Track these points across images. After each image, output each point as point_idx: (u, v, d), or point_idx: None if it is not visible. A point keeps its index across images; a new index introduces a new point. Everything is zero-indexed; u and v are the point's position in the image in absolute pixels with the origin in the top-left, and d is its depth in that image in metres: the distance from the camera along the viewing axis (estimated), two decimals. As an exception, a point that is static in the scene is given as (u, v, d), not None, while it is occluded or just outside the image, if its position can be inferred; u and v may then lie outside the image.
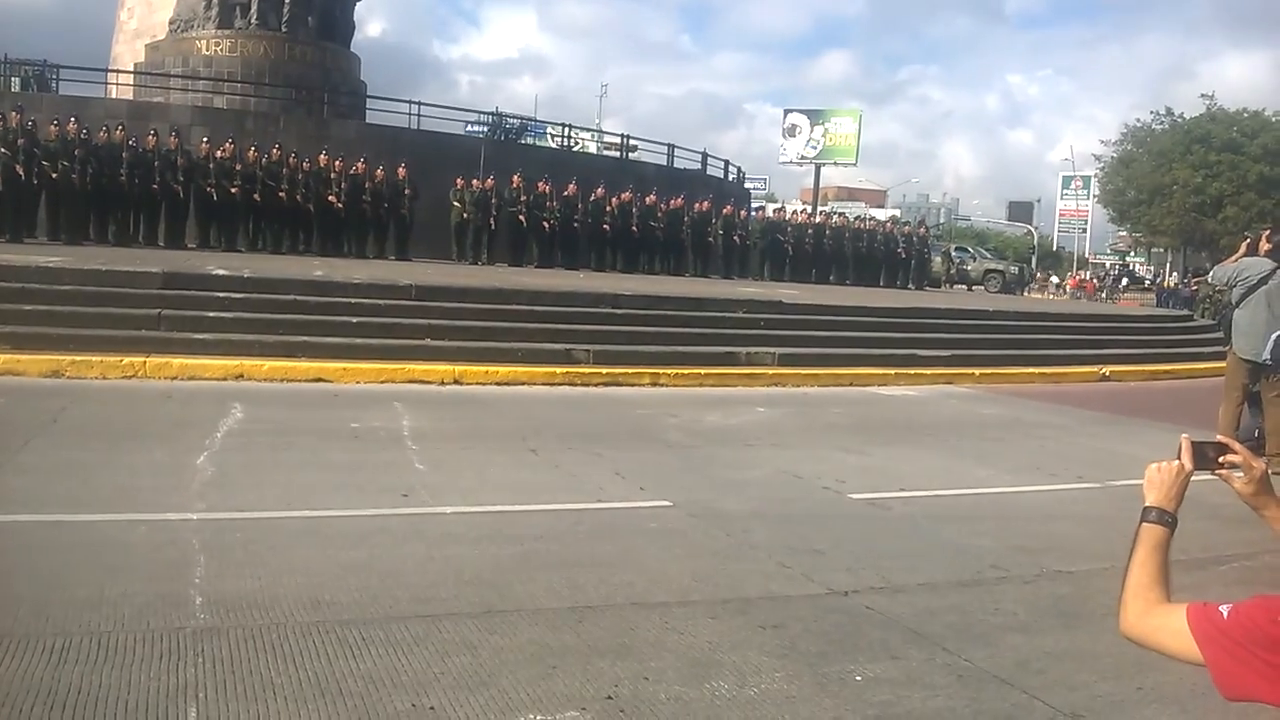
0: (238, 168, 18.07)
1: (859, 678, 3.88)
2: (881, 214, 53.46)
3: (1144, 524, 2.02)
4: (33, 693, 3.36)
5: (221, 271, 11.97)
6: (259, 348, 10.38)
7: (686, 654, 4.01)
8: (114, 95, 25.44)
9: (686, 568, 5.09)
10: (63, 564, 4.61)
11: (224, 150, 18.10)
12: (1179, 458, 2.07)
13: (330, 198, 19.00)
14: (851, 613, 4.62)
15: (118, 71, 28.66)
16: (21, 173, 16.19)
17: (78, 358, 9.53)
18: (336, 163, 19.23)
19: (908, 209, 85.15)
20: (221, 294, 11.25)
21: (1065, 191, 74.83)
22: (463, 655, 3.85)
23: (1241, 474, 2.08)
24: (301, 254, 18.52)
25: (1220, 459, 2.11)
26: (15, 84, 23.39)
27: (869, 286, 24.61)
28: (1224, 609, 1.76)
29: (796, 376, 12.46)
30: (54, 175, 16.50)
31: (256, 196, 18.26)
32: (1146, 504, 2.04)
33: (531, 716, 3.41)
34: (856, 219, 29.25)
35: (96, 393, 8.91)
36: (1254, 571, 5.31)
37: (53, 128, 16.79)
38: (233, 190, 17.95)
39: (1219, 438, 2.16)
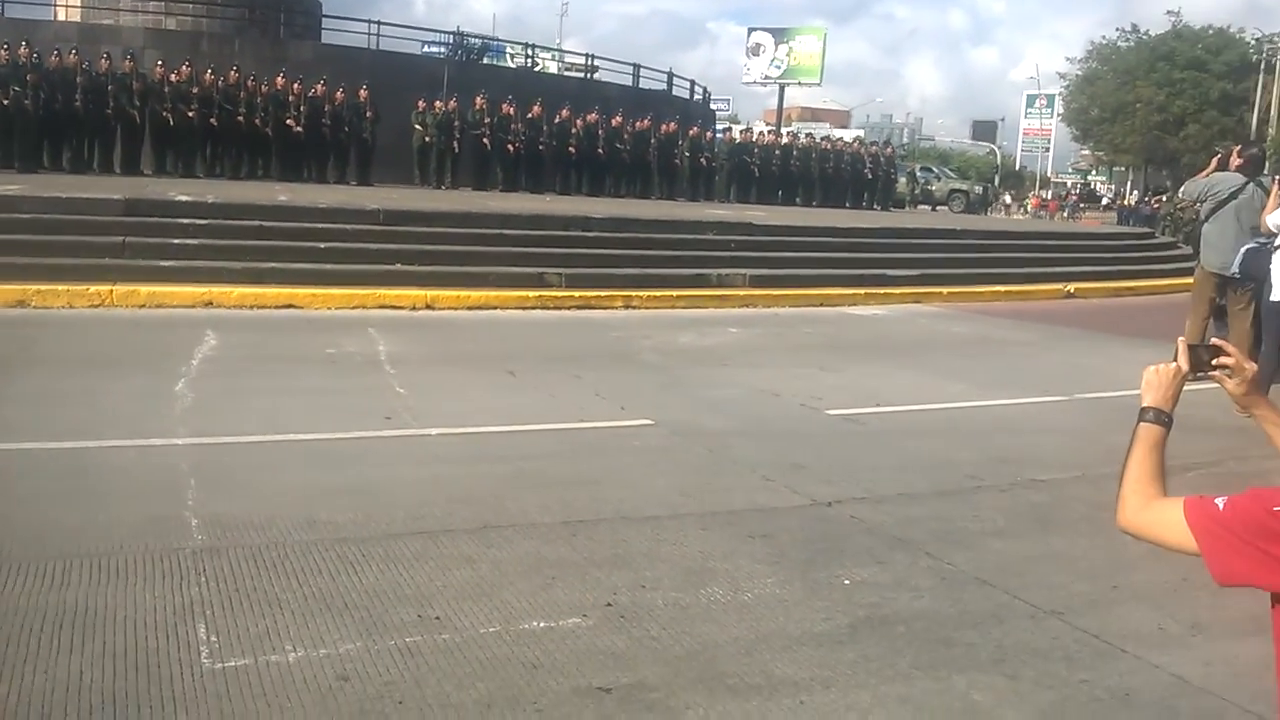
0: (194, 91, 17.59)
1: (847, 581, 4.01)
2: (846, 134, 53.20)
3: (1141, 423, 2.08)
4: (38, 612, 3.41)
5: (184, 197, 11.76)
6: (227, 274, 10.27)
7: (680, 563, 4.11)
8: (63, 18, 24.61)
9: (673, 483, 5.19)
10: (52, 490, 4.62)
11: (179, 73, 17.61)
12: (1175, 360, 2.14)
13: (289, 121, 18.59)
14: (836, 522, 4.75)
15: (63, -8, 27.65)
16: (-29, 99, 15.70)
17: (43, 287, 9.39)
18: (295, 85, 18.78)
19: (872, 129, 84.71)
20: (186, 220, 11.08)
21: (1029, 110, 74.71)
22: (462, 569, 3.93)
23: (1233, 375, 2.16)
24: (261, 179, 18.17)
25: (1214, 361, 2.19)
26: (-44, 7, 22.51)
27: (836, 207, 24.63)
28: (1219, 501, 1.84)
29: (768, 297, 12.55)
30: (5, 101, 16.01)
31: (214, 120, 17.81)
32: (1144, 404, 2.11)
33: (535, 623, 3.50)
34: (823, 140, 29.13)
35: (65, 322, 8.81)
36: (1219, 478, 5.50)
37: (2, 52, 16.26)
38: (190, 114, 17.50)
39: (1214, 341, 2.23)
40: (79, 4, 25.41)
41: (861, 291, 13.24)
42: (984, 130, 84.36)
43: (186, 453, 5.26)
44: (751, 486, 5.22)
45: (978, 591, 3.98)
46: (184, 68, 17.75)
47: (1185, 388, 2.17)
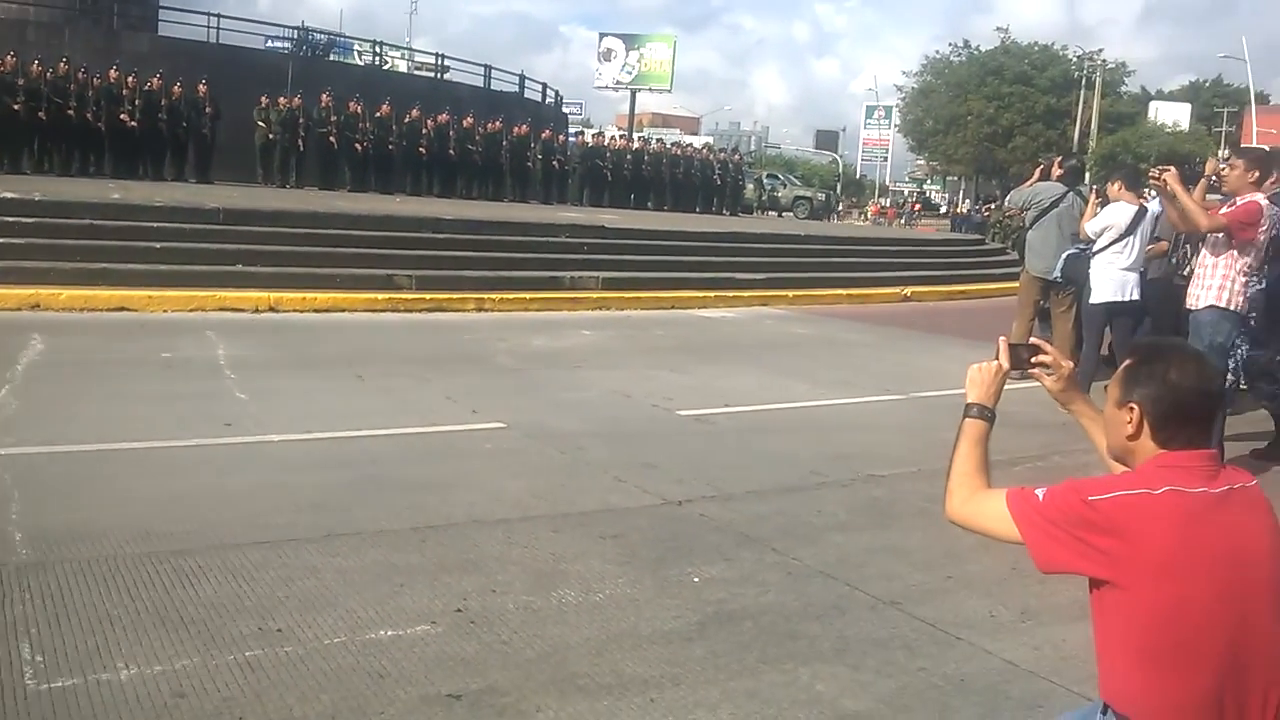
0: (20, 83, 16.57)
1: (696, 579, 4.09)
2: (696, 141, 54.04)
3: (966, 419, 2.21)
4: None
5: (9, 194, 11.04)
6: (55, 275, 9.72)
7: (531, 566, 4.12)
8: None
9: (525, 485, 5.18)
10: None
11: (4, 64, 16.56)
12: (997, 358, 2.28)
13: (123, 116, 17.73)
14: (686, 520, 4.83)
15: None
16: None
17: None
18: (129, 78, 17.93)
19: (720, 136, 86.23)
20: (11, 219, 10.42)
21: (869, 121, 77.41)
22: (306, 579, 3.84)
23: (1051, 372, 2.31)
24: (93, 176, 17.27)
25: (1033, 359, 2.34)
26: None
27: (687, 212, 25.00)
28: (1039, 492, 1.97)
29: (620, 300, 12.65)
30: None
31: (42, 114, 16.83)
32: (968, 401, 2.24)
33: (382, 632, 3.45)
34: (674, 145, 29.54)
35: None
36: (1045, 471, 5.83)
37: None
38: (15, 107, 16.48)
39: (1032, 340, 2.38)
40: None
41: (711, 294, 13.49)
42: (827, 140, 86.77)
43: (10, 462, 4.96)
44: (604, 487, 5.26)
45: (821, 585, 4.12)
46: (9, 58, 16.73)
47: (1009, 385, 2.30)
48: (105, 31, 22.55)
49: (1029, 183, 9.43)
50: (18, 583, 3.63)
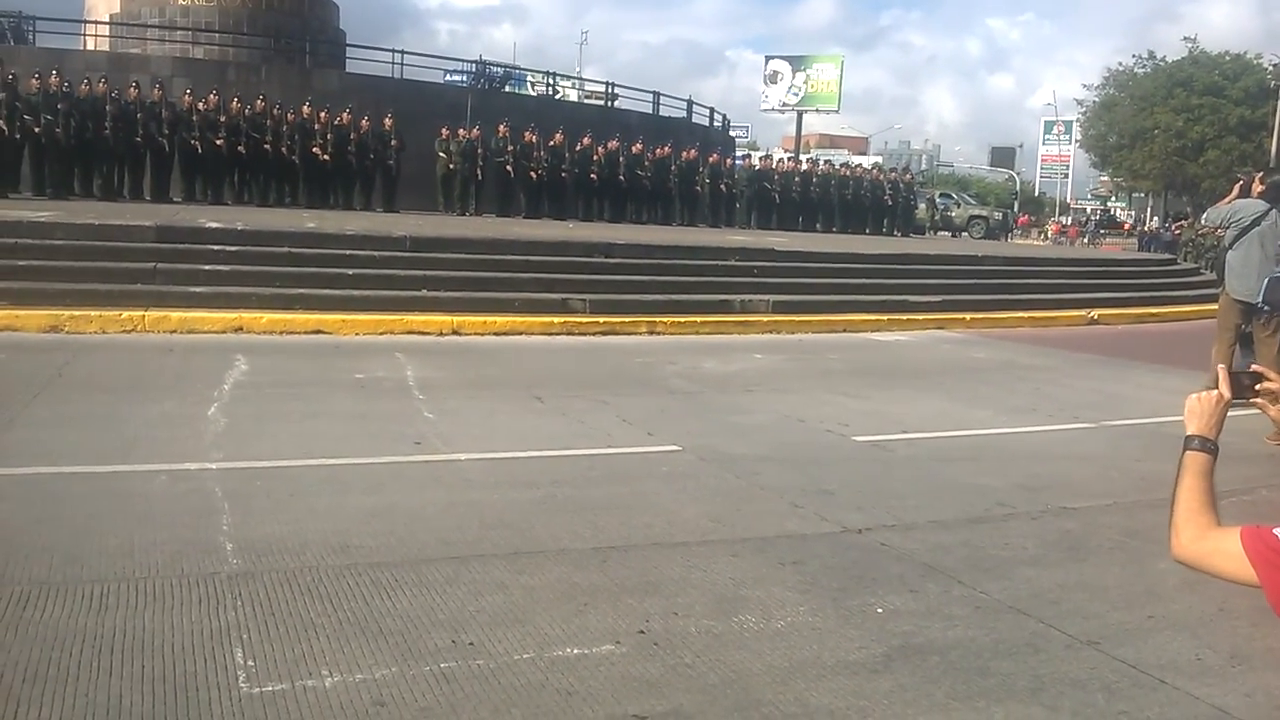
0: (222, 120, 17.87)
1: (880, 610, 4.00)
2: (865, 161, 53.36)
3: (1188, 452, 2.08)
4: (78, 637, 3.43)
5: (214, 224, 11.90)
6: (256, 300, 10.38)
7: (711, 590, 4.11)
8: (91, 47, 24.99)
9: (702, 509, 5.19)
10: (89, 514, 4.66)
11: (207, 102, 17.89)
12: (1216, 387, 2.14)
13: (315, 149, 18.83)
14: (867, 549, 4.73)
15: (94, 22, 28.10)
16: (4, 127, 15.96)
17: (76, 312, 9.51)
18: (321, 114, 19.04)
19: (890, 156, 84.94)
20: (216, 247, 11.21)
21: (1047, 137, 74.75)
22: (495, 594, 3.94)
23: (1277, 401, 2.16)
24: (288, 206, 18.40)
25: (1256, 386, 2.19)
26: (-9, 36, 22.93)
27: (857, 233, 24.66)
28: (1278, 531, 1.84)
29: (791, 323, 12.56)
30: (37, 129, 16.27)
31: (241, 149, 18.08)
32: (1189, 433, 2.11)
33: (569, 650, 3.51)
34: (842, 166, 29.21)
35: (97, 347, 8.90)
36: (1252, 506, 5.45)
37: (34, 81, 16.52)
38: (218, 143, 17.76)
39: (1254, 367, 2.23)
40: (108, 34, 25.88)
41: (884, 317, 13.24)
42: (1002, 156, 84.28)
43: (221, 476, 5.31)
44: (781, 513, 5.22)
45: (1012, 620, 3.96)
46: (211, 96, 18.04)
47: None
48: (298, 70, 23.99)
49: (1227, 199, 8.88)
50: (230, 590, 3.86)
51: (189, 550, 4.25)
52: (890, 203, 27.38)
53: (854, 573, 4.40)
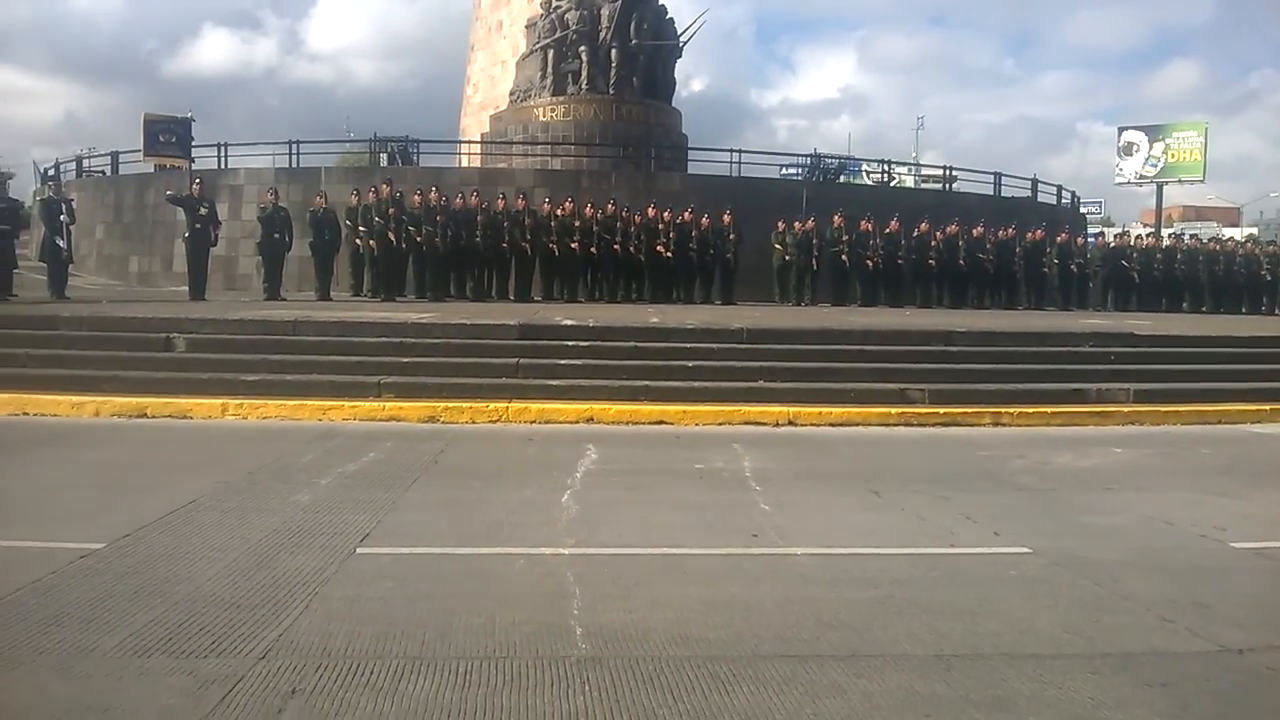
0: (577, 224, 19.38)
1: (1270, 747, 3.54)
2: (1236, 233, 48.54)
3: None
4: (445, 712, 3.73)
5: (569, 322, 12.82)
6: (606, 392, 11.01)
7: (1068, 710, 3.82)
8: (465, 164, 28.07)
9: (1055, 619, 4.85)
10: (456, 593, 5.09)
11: (564, 209, 19.48)
12: None
13: (659, 247, 19.89)
14: (1250, 672, 4.22)
15: (467, 142, 31.63)
16: (393, 238, 18.21)
17: (450, 404, 10.53)
18: (665, 213, 20.13)
19: (1267, 227, 76.62)
20: (571, 343, 12.05)
21: None
22: (832, 698, 3.88)
23: None
24: (635, 301, 19.50)
25: None
26: (383, 159, 26.29)
27: (1230, 314, 22.42)
28: None
29: (1155, 414, 11.56)
30: (419, 239, 18.42)
31: (593, 250, 19.47)
32: None
33: (911, 763, 3.38)
34: (1211, 240, 26.78)
35: (468, 436, 9.79)
36: None
37: (416, 196, 18.79)
38: (573, 245, 19.25)
39: None
40: (479, 152, 28.96)
41: (1266, 407, 11.86)
42: None
43: (572, 562, 5.63)
44: (1147, 626, 4.77)
45: None
46: (567, 203, 19.64)
47: None
48: (644, 175, 25.56)
49: None
50: (579, 675, 4.06)
51: (543, 632, 4.53)
52: (1269, 278, 24.70)
53: (1234, 698, 3.93)
